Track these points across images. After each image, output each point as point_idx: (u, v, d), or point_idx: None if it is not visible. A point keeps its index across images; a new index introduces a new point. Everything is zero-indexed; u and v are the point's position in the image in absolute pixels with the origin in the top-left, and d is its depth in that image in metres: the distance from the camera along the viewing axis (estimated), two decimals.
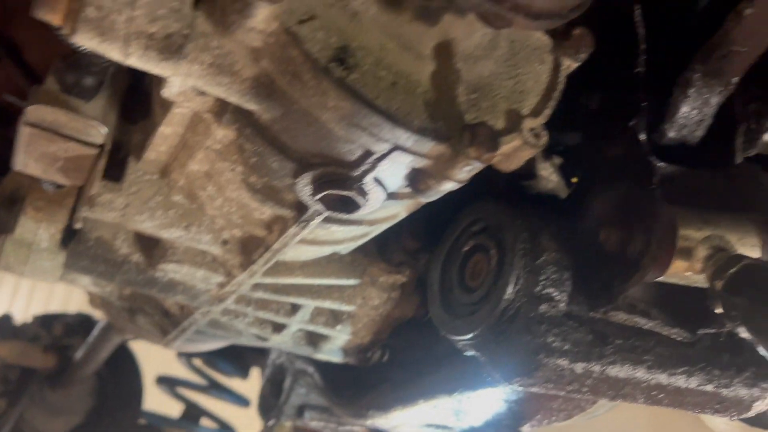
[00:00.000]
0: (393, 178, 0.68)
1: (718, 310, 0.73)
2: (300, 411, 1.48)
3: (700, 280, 0.78)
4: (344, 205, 0.71)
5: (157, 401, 2.37)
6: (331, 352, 1.10)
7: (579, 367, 0.78)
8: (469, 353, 0.86)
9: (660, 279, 0.80)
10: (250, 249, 0.85)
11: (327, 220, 0.77)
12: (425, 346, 1.09)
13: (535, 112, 0.71)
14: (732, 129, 0.89)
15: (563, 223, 0.88)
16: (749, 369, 0.84)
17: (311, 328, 1.04)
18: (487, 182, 1.12)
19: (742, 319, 0.68)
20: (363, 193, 0.69)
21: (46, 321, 2.28)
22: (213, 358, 2.21)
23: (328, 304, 1.00)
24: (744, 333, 0.69)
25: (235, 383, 2.36)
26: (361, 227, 0.81)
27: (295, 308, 1.01)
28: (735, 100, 0.90)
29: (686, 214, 0.78)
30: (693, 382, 0.82)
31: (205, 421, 2.30)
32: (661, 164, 0.85)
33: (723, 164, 0.88)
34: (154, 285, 0.92)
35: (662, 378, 0.81)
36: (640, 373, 0.80)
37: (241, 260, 0.87)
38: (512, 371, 0.78)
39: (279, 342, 1.07)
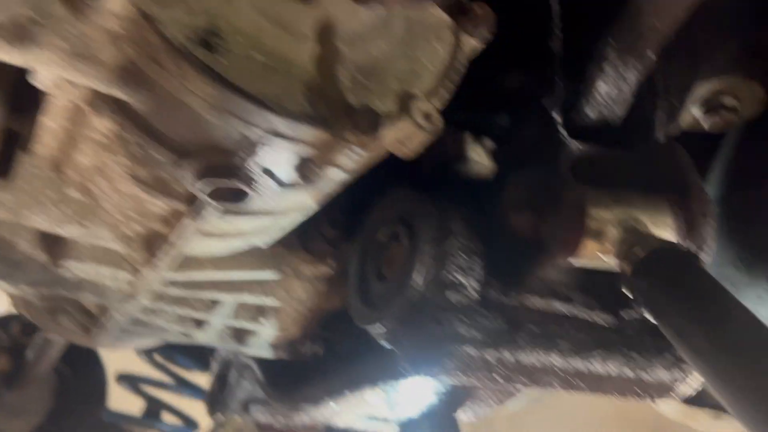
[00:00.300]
0: (280, 166, 0.65)
1: (628, 294, 0.70)
2: (246, 405, 1.45)
3: (613, 263, 0.76)
4: (233, 196, 0.68)
5: (117, 397, 2.34)
6: (260, 348, 1.07)
7: (489, 355, 0.76)
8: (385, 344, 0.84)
9: (575, 263, 0.78)
10: (153, 245, 0.82)
11: (223, 211, 0.74)
12: (356, 336, 1.07)
13: (430, 94, 0.68)
14: (652, 106, 0.87)
15: (482, 208, 0.86)
16: (670, 350, 0.82)
17: (235, 323, 1.01)
18: (414, 167, 1.10)
19: (645, 304, 0.66)
20: (250, 183, 0.65)
21: (3, 322, 2.24)
22: (172, 352, 2.19)
23: (249, 299, 0.97)
24: (649, 316, 0.67)
25: (200, 377, 2.33)
26: (267, 218, 0.78)
27: (214, 304, 0.98)
28: (655, 75, 0.87)
29: (597, 194, 0.76)
30: (611, 367, 0.80)
31: (167, 416, 2.27)
32: (574, 144, 0.82)
33: (642, 142, 0.86)
34: (62, 284, 0.88)
35: (578, 363, 0.79)
36: (555, 359, 0.78)
37: (145, 257, 0.83)
38: (421, 362, 0.76)
39: (204, 338, 1.04)
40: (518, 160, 0.85)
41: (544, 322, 0.80)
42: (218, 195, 0.68)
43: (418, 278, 0.77)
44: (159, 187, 0.71)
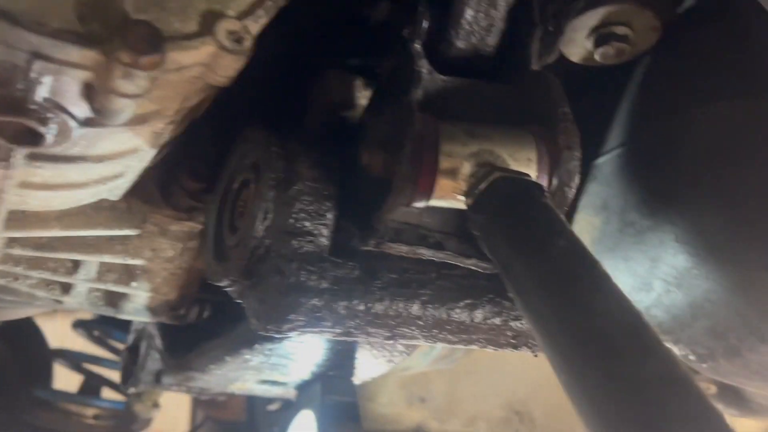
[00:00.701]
0: (69, 97, 0.58)
1: (472, 231, 0.64)
2: (158, 377, 1.39)
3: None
4: (30, 138, 0.61)
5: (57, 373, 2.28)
6: (137, 312, 1.00)
7: (340, 307, 0.69)
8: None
9: (434, 204, 0.71)
10: None
11: (33, 158, 0.66)
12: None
13: (244, 14, 0.60)
14: (528, 34, 0.80)
15: (342, 150, 0.79)
16: None
17: (102, 286, 0.94)
18: (299, 113, 1.03)
19: (481, 239, 0.59)
20: (43, 120, 0.58)
21: None
22: (108, 327, 2.12)
23: (110, 259, 0.90)
24: (487, 253, 0.61)
25: None
26: (92, 165, 0.70)
27: (75, 265, 0.91)
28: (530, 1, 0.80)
29: (452, 129, 0.69)
30: (478, 316, 0.74)
31: (107, 392, 2.21)
32: (432, 76, 0.75)
33: (518, 74, 0.79)
34: None
35: (440, 313, 0.73)
36: (415, 309, 0.72)
37: None
38: (266, 317, 0.69)
39: (74, 303, 0.97)
40: (379, 99, 0.78)
41: (406, 270, 0.73)
42: (13, 136, 0.61)
43: (259, 226, 0.70)
44: None
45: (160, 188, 0.89)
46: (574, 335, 0.43)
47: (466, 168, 0.67)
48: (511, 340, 0.77)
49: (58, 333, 2.66)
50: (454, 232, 0.79)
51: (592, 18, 0.88)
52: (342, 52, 1.07)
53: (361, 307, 0.70)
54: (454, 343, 0.76)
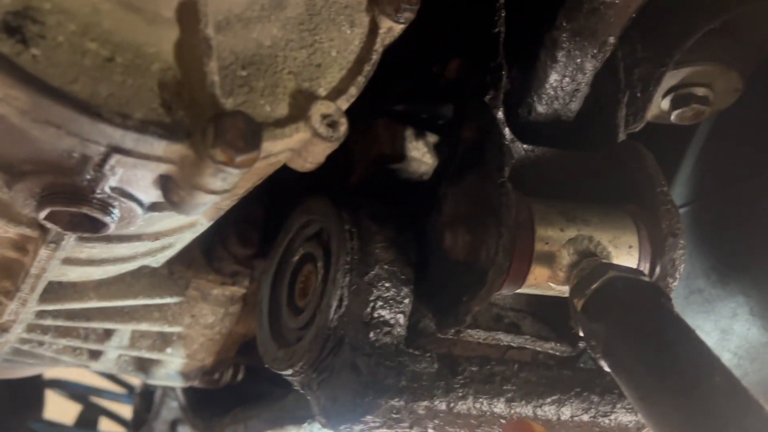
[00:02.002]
0: (140, 186, 0.51)
1: (581, 334, 0.58)
2: (173, 426, 1.31)
3: (567, 292, 0.63)
4: (90, 225, 0.54)
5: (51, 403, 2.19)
6: (168, 378, 0.93)
7: (420, 407, 0.63)
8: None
9: (523, 291, 0.65)
10: (13, 272, 0.67)
11: (86, 239, 0.59)
12: None
13: (335, 93, 0.53)
14: (614, 100, 0.74)
15: (419, 220, 0.72)
16: None
17: (134, 353, 0.87)
18: (344, 169, 0.96)
19: (601, 352, 0.53)
20: (106, 208, 0.51)
21: None
22: None
23: (146, 327, 0.82)
24: (607, 369, 0.54)
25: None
26: (145, 242, 0.63)
27: (108, 333, 0.84)
28: (616, 64, 0.74)
29: (547, 211, 0.63)
30: (566, 413, 0.67)
31: (104, 423, 2.12)
32: (518, 146, 0.69)
33: (604, 142, 0.73)
34: None
35: (526, 411, 0.66)
36: (499, 408, 0.65)
37: (7, 285, 0.69)
38: (338, 416, 0.63)
39: (103, 368, 0.90)
40: (458, 168, 0.71)
41: (487, 361, 0.67)
42: (70, 223, 0.54)
43: (333, 315, 0.63)
44: (2, 211, 0.57)
45: (204, 252, 0.82)
46: None
47: (564, 256, 0.61)
48: None
49: None
50: (526, 310, 0.73)
51: (673, 78, 0.83)
52: (388, 99, 1.01)
53: (443, 407, 0.64)
54: None
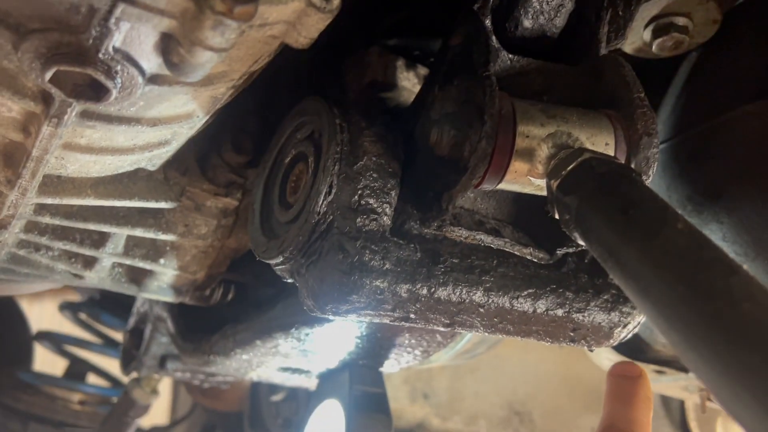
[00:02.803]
0: (142, 49, 0.54)
1: (556, 216, 0.61)
2: (162, 362, 1.34)
3: (545, 186, 0.66)
4: (93, 92, 0.56)
5: (39, 357, 2.21)
6: (161, 291, 0.95)
7: (402, 290, 0.66)
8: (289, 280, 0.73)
9: (503, 187, 0.68)
10: (14, 160, 0.70)
11: (87, 116, 0.62)
12: (269, 279, 0.96)
13: None
14: (597, 17, 0.77)
15: (403, 128, 0.75)
16: (609, 291, 0.73)
17: (128, 261, 0.89)
18: (338, 94, 0.99)
19: (573, 223, 0.56)
20: (109, 71, 0.54)
21: None
22: (96, 310, 2.06)
23: (141, 233, 0.85)
24: (579, 240, 0.58)
25: None
26: (143, 128, 0.66)
27: (103, 237, 0.86)
28: None
29: (528, 108, 0.66)
30: (540, 306, 0.71)
31: (92, 377, 2.14)
32: (505, 54, 0.72)
33: (585, 57, 0.76)
34: None
35: (503, 301, 0.70)
36: (477, 296, 0.69)
37: (7, 175, 0.71)
38: (325, 297, 0.66)
39: (96, 280, 0.92)
40: (446, 73, 0.74)
41: (468, 256, 0.70)
42: (74, 91, 0.57)
43: (321, 200, 0.66)
44: (5, 81, 0.59)
45: (199, 161, 0.85)
46: (716, 324, 0.40)
47: (543, 150, 0.64)
48: (570, 333, 0.74)
49: (45, 315, 2.59)
50: (507, 220, 0.77)
51: (654, 6, 0.86)
52: (381, 31, 1.04)
53: (424, 291, 0.67)
54: (511, 333, 0.73)
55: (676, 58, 0.99)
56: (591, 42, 0.76)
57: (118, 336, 2.14)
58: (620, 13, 0.78)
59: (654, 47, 0.89)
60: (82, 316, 2.15)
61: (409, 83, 1.02)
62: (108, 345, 2.13)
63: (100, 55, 0.53)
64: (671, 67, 1.03)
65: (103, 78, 0.54)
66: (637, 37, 0.91)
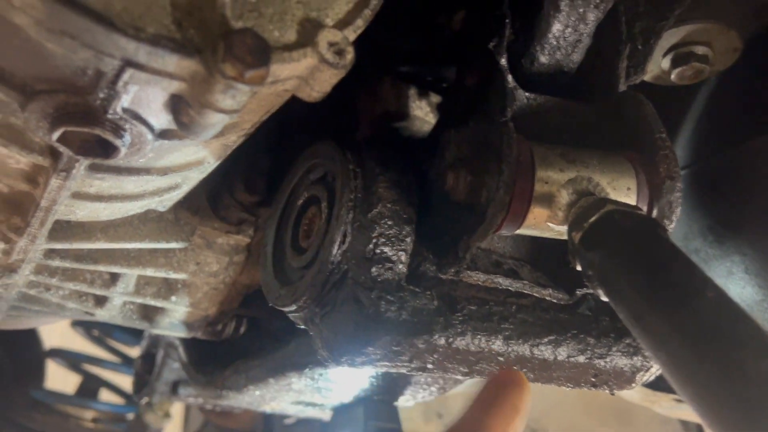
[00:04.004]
0: (150, 108, 0.52)
1: (578, 268, 0.59)
2: (174, 387, 1.33)
3: (565, 233, 0.65)
4: (101, 150, 0.55)
5: (52, 373, 2.20)
6: (172, 327, 0.94)
7: (419, 341, 0.64)
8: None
9: (522, 233, 0.66)
10: (23, 208, 0.69)
11: (96, 168, 0.61)
12: (282, 315, 0.95)
13: (342, 24, 0.55)
14: (615, 52, 0.75)
15: (419, 170, 0.74)
16: (631, 335, 0.71)
17: (140, 300, 0.88)
18: (348, 126, 0.98)
19: (597, 281, 0.54)
20: (117, 130, 0.53)
21: None
22: (109, 327, 2.05)
23: (152, 272, 0.84)
24: (603, 297, 0.56)
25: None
26: (153, 177, 0.65)
27: (113, 277, 0.85)
28: (618, 16, 0.75)
29: (547, 152, 0.64)
30: (562, 353, 0.69)
31: (105, 394, 2.13)
32: (521, 93, 0.70)
33: (604, 93, 0.74)
34: None
35: (524, 350, 0.68)
36: (497, 345, 0.67)
37: (17, 222, 0.70)
38: (341, 349, 0.64)
39: (107, 317, 0.91)
40: (461, 114, 0.73)
41: (486, 302, 0.68)
42: (83, 148, 0.55)
43: (335, 249, 0.65)
44: (11, 136, 0.58)
45: (210, 199, 0.83)
46: (748, 410, 0.38)
47: (563, 196, 0.63)
48: (592, 379, 0.72)
49: (56, 330, 2.59)
50: (525, 259, 0.75)
51: (674, 36, 0.84)
52: (394, 59, 1.02)
53: (442, 342, 0.65)
54: (531, 380, 0.71)
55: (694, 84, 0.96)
56: (610, 78, 0.74)
57: (131, 351, 2.14)
58: (639, 47, 0.76)
59: (673, 76, 0.87)
60: (95, 332, 2.15)
61: (422, 112, 1.00)
62: (121, 362, 2.13)
63: (108, 115, 0.51)
64: (691, 91, 1.00)
65: (111, 137, 0.53)
66: (656, 66, 0.88)
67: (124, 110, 0.52)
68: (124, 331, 2.04)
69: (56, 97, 0.51)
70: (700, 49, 0.85)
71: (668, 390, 1.10)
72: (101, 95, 0.50)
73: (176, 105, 0.51)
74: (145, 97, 0.51)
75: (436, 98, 1.01)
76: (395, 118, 0.97)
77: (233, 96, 0.48)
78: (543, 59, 0.74)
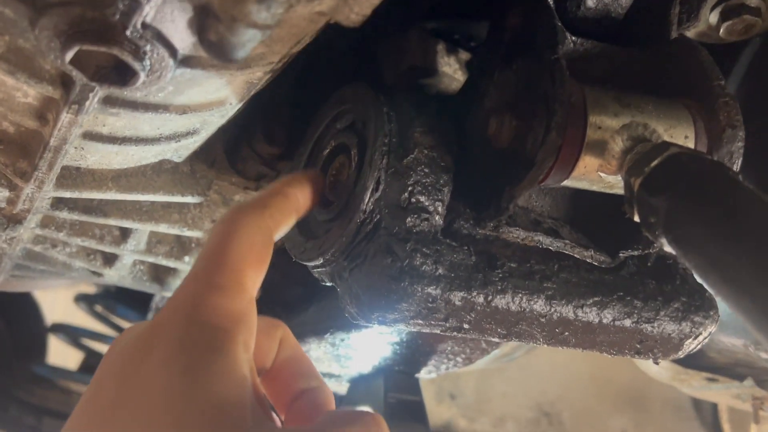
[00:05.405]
0: (175, 26, 0.47)
1: (635, 218, 0.54)
2: None
3: (618, 185, 0.60)
4: (117, 76, 0.50)
5: (55, 350, 2.16)
6: None
7: (457, 298, 0.59)
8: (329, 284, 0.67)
9: (569, 184, 0.61)
10: (30, 150, 0.64)
11: (110, 102, 0.56)
12: (299, 278, 0.90)
13: None
14: None
15: (452, 118, 0.69)
16: (679, 299, 0.66)
17: (151, 259, 0.83)
18: (376, 82, 0.93)
19: (662, 228, 0.49)
20: (137, 51, 0.47)
21: None
22: (112, 302, 2.01)
23: (165, 229, 0.79)
24: (667, 246, 0.51)
25: None
26: (171, 116, 0.60)
27: (124, 233, 0.80)
28: None
29: (599, 96, 0.59)
30: (607, 316, 0.64)
31: None
32: (569, 38, 0.65)
33: (654, 40, 0.69)
34: None
35: (567, 311, 0.63)
36: (539, 305, 0.62)
37: (22, 166, 0.65)
38: (370, 305, 0.59)
39: (116, 278, 0.87)
40: (503, 57, 0.67)
41: (526, 259, 0.63)
42: (98, 74, 0.50)
43: (367, 197, 0.60)
44: (19, 62, 0.53)
45: (228, 152, 0.78)
46: None
47: (618, 143, 0.58)
48: (637, 345, 0.67)
49: (58, 306, 2.55)
50: (564, 219, 0.70)
51: None
52: (420, 12, 0.97)
53: (480, 300, 0.60)
54: (572, 345, 0.66)
55: (734, 44, 0.91)
56: (661, 24, 0.69)
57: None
58: None
59: (722, 31, 0.81)
60: (98, 308, 2.11)
61: (450, 69, 0.95)
62: None
63: (128, 33, 0.46)
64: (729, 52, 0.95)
65: (130, 59, 0.47)
66: (703, 22, 0.83)
67: (145, 27, 0.47)
68: (127, 307, 2.00)
69: (71, 11, 0.46)
70: (752, 1, 0.79)
71: (702, 368, 1.05)
72: (120, 7, 0.45)
73: (203, 22, 0.46)
74: (170, 12, 0.46)
75: (465, 55, 0.95)
76: (422, 74, 0.92)
77: (269, 7, 0.43)
78: (590, 3, 0.68)
